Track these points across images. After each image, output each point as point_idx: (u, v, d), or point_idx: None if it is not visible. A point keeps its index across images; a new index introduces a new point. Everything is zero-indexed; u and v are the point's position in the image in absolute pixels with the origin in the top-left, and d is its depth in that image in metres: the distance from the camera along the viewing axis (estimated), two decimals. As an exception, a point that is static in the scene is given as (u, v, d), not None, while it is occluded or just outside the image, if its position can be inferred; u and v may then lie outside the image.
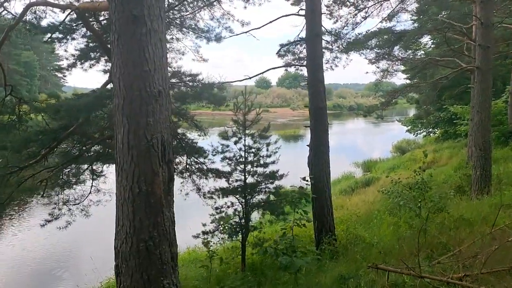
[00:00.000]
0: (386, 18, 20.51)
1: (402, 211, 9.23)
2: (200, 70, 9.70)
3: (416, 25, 23.43)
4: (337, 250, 8.65)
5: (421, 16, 24.84)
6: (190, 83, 8.53)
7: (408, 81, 28.92)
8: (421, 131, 33.09)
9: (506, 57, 26.08)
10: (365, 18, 16.55)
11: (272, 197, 9.30)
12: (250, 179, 8.97)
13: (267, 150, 8.95)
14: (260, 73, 9.61)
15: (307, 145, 9.41)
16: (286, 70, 10.52)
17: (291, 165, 11.00)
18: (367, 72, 56.93)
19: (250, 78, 9.59)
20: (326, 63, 12.10)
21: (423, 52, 30.02)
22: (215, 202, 8.81)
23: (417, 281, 4.85)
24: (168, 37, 10.05)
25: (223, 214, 8.60)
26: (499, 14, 21.29)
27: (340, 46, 12.53)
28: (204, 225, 8.88)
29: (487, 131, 11.78)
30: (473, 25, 14.87)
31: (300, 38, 9.21)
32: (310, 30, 8.96)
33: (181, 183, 9.16)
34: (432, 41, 31.36)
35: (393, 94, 16.45)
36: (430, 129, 32.42)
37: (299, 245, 9.05)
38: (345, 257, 8.32)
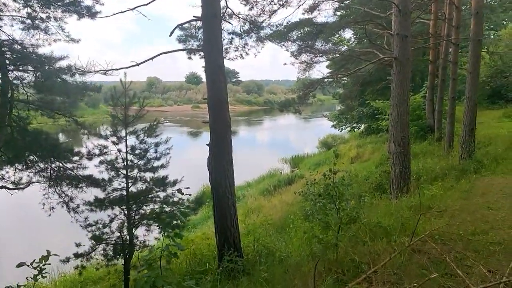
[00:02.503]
0: (307, 10, 19.74)
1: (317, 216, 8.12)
2: (69, 53, 7.69)
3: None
4: (241, 269, 7.30)
5: (343, 11, 24.59)
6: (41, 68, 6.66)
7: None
8: (346, 126, 33.19)
9: (424, 52, 26.61)
10: (283, 5, 15.39)
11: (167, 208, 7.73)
12: (136, 187, 7.34)
13: (156, 151, 7.37)
14: (150, 59, 7.93)
15: (206, 144, 7.95)
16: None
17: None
18: (285, 64, 56.20)
19: (138, 64, 7.88)
20: (236, 50, 10.76)
21: (346, 47, 29.96)
22: (85, 219, 7.07)
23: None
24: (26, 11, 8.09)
25: (97, 233, 6.89)
26: (416, 9, 21.41)
27: (253, 34, 11.20)
28: (78, 245, 7.14)
29: (406, 126, 11.12)
30: (391, 14, 14.28)
31: (195, 17, 7.71)
32: (206, 8, 7.47)
33: (44, 194, 7.31)
34: (355, 36, 31.51)
35: (310, 87, 15.52)
36: (354, 124, 32.61)
37: (197, 264, 7.62)
38: (249, 277, 7.03)
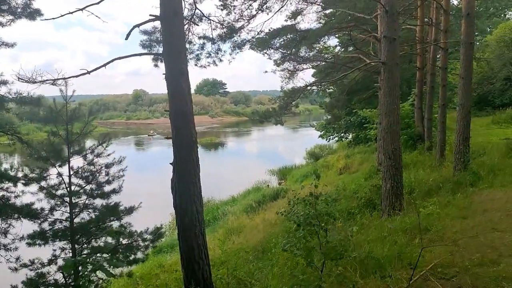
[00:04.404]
0: (290, 16, 18.93)
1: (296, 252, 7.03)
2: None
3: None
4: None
5: (328, 19, 23.80)
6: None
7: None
8: (333, 136, 32.32)
9: (410, 60, 25.92)
10: (262, 10, 14.46)
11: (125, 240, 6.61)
12: (83, 216, 6.18)
13: (107, 174, 6.24)
14: (103, 65, 6.86)
15: (170, 163, 6.85)
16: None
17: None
18: (266, 72, 54.62)
19: (88, 72, 6.80)
20: (208, 56, 9.75)
21: (332, 55, 29.21)
22: (17, 259, 5.89)
23: None
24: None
25: (33, 274, 5.71)
26: (401, 14, 20.67)
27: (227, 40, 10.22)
28: (13, 289, 5.94)
29: (397, 137, 10.13)
30: (377, 16, 13.43)
31: (153, 15, 6.66)
32: (165, 5, 6.45)
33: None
34: (340, 44, 30.82)
35: (291, 96, 14.52)
36: (342, 134, 31.77)
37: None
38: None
